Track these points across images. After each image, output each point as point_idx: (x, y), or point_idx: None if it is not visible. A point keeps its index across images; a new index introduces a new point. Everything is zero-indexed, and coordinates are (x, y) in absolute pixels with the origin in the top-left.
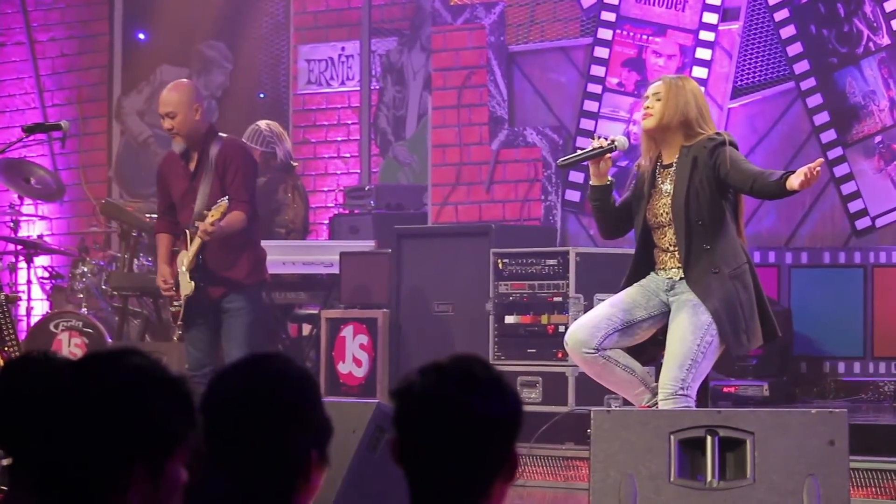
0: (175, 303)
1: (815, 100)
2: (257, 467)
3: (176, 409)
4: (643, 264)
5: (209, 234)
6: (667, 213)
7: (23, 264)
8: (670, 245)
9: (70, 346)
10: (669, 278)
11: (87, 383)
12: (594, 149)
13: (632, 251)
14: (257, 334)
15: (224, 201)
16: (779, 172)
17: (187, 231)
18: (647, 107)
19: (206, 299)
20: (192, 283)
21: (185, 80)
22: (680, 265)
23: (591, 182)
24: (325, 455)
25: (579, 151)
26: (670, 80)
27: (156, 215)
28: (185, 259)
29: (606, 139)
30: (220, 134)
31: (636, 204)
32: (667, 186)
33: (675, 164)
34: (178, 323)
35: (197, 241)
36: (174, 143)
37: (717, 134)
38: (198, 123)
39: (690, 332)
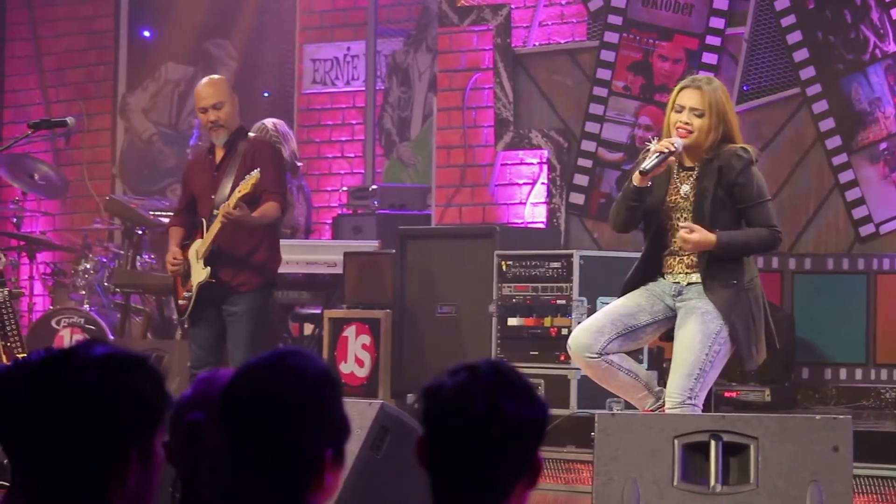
0: (185, 294)
1: (820, 106)
2: (269, 462)
3: (153, 386)
4: (650, 267)
5: (232, 215)
6: (686, 218)
7: (25, 260)
8: (681, 249)
9: (71, 343)
10: (676, 283)
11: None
12: (664, 152)
13: (635, 255)
14: (262, 338)
15: (256, 173)
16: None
17: (204, 221)
18: (686, 122)
19: (220, 286)
20: (209, 268)
21: (218, 75)
22: (688, 270)
23: (634, 184)
24: (341, 455)
25: (653, 156)
26: (708, 92)
27: (160, 213)
28: (199, 247)
29: (672, 142)
30: (249, 133)
31: (653, 205)
32: (685, 189)
33: (696, 169)
34: (185, 317)
35: (216, 226)
36: (215, 138)
37: (745, 150)
38: (237, 116)
39: (699, 340)
